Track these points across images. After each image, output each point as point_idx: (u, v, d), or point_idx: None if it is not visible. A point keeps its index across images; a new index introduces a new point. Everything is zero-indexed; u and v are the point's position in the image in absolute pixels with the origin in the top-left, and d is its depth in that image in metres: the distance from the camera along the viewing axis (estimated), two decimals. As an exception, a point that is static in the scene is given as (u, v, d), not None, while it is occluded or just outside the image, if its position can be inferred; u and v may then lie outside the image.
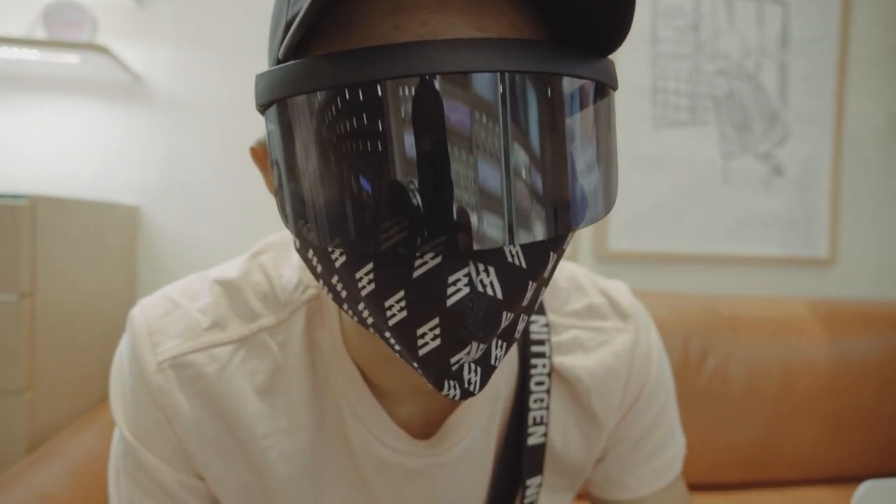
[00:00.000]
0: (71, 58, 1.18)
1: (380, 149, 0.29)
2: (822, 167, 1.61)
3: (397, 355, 0.37)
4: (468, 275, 0.31)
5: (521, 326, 0.36)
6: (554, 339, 0.52)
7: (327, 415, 0.47)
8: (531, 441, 0.50)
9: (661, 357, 0.56)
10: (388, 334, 0.35)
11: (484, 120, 0.29)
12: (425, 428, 0.49)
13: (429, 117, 0.28)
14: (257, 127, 1.43)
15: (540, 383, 0.50)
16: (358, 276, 0.33)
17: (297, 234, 0.33)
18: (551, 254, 0.34)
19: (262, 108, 0.34)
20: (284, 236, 0.52)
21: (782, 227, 1.60)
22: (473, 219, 0.29)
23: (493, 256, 0.31)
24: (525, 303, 0.34)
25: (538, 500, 0.53)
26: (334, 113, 0.29)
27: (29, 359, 0.91)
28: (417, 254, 0.30)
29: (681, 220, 1.55)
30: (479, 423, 0.49)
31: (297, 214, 0.33)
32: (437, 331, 0.32)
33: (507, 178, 0.29)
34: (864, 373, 1.29)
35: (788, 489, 1.27)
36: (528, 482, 0.51)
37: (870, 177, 1.65)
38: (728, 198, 1.57)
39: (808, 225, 1.61)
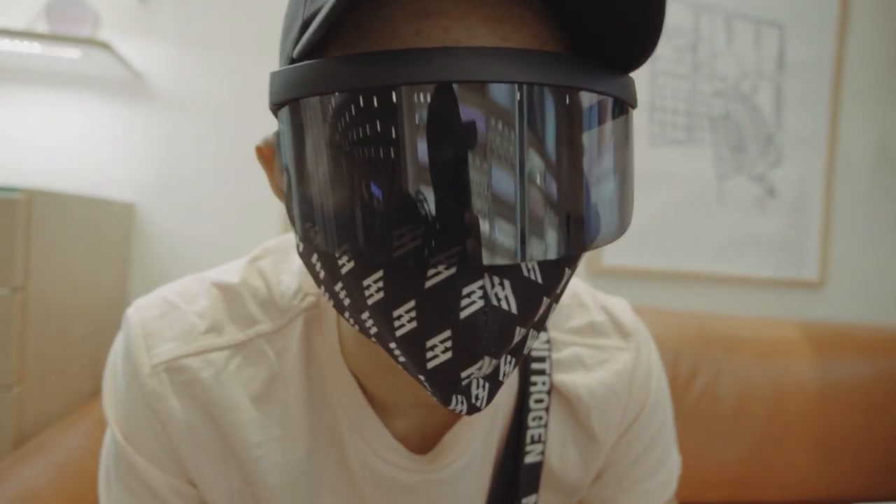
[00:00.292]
0: (72, 52, 1.18)
1: (399, 155, 0.28)
2: (815, 190, 1.63)
3: (399, 366, 0.36)
4: (483, 287, 0.30)
5: (530, 342, 0.35)
6: (554, 355, 0.51)
7: (323, 425, 0.46)
8: (528, 459, 0.50)
9: (660, 377, 0.56)
10: (393, 345, 0.33)
11: (504, 131, 0.28)
12: (421, 442, 0.48)
13: (449, 125, 0.28)
14: (257, 127, 1.45)
15: (539, 401, 0.50)
16: (365, 283, 0.32)
17: (304, 237, 0.32)
18: (566, 270, 0.34)
19: (276, 107, 0.33)
20: (284, 242, 0.51)
21: (774, 249, 1.62)
22: (492, 231, 0.28)
23: (509, 270, 0.30)
24: (537, 318, 0.33)
25: None
26: (351, 116, 0.29)
27: (19, 353, 0.90)
28: (431, 264, 0.29)
29: (675, 237, 1.57)
30: (478, 439, 0.48)
31: (305, 217, 0.32)
32: (449, 343, 0.31)
33: (526, 192, 0.29)
34: (853, 396, 1.30)
35: (775, 510, 1.28)
36: (524, 501, 0.50)
37: (861, 201, 1.67)
38: (722, 217, 1.59)
39: (799, 247, 1.63)
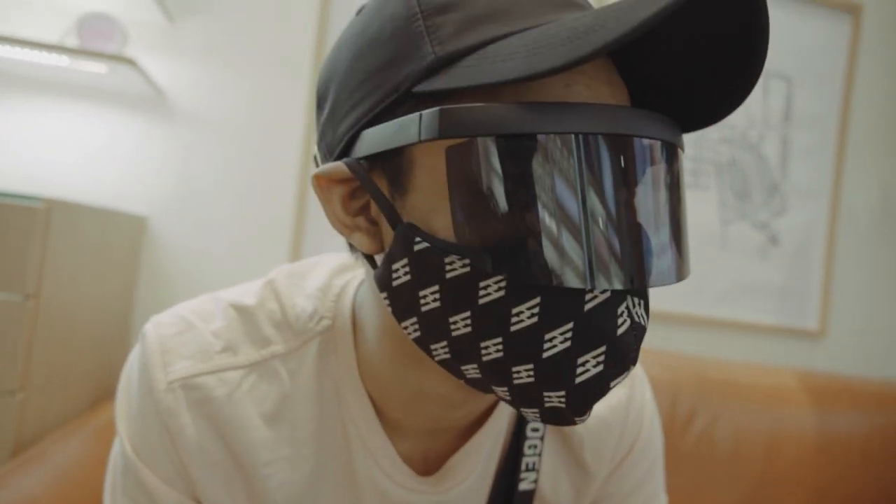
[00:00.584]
0: (99, 67, 1.21)
1: (587, 195, 0.33)
2: (818, 240, 1.65)
3: (453, 388, 0.41)
4: (627, 307, 0.35)
5: None
6: None
7: (331, 446, 0.47)
8: (522, 486, 0.51)
9: (653, 415, 0.58)
10: (523, 367, 0.35)
11: (658, 181, 0.35)
12: (424, 465, 0.49)
13: (622, 173, 0.33)
14: (273, 148, 1.47)
15: (535, 430, 0.51)
16: (516, 310, 0.34)
17: (440, 270, 0.34)
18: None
19: (432, 140, 0.34)
20: (299, 266, 0.53)
21: (775, 296, 1.63)
22: (647, 261, 0.34)
23: (644, 291, 0.37)
24: None
25: None
26: (542, 157, 0.32)
27: (25, 360, 0.91)
28: (599, 288, 0.34)
29: (677, 279, 1.58)
30: (480, 463, 0.50)
31: (451, 250, 0.34)
32: (602, 358, 0.34)
33: (665, 229, 0.35)
34: (851, 448, 1.30)
35: (768, 560, 1.26)
36: None
37: (863, 252, 1.69)
38: (724, 262, 1.60)
39: (800, 296, 1.64)
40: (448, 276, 0.34)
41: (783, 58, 1.63)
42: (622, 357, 0.35)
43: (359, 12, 0.42)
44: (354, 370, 0.47)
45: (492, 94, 0.34)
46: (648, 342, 1.50)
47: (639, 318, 0.35)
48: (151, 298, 1.36)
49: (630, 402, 0.55)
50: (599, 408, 0.53)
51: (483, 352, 0.36)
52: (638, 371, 0.58)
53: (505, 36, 0.34)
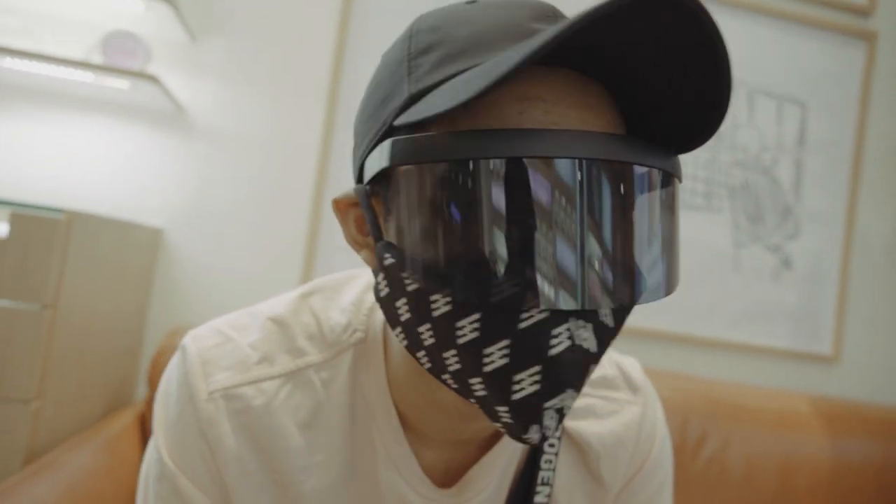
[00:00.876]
0: (122, 84, 1.24)
1: (510, 216, 0.33)
2: (831, 264, 1.64)
3: (450, 403, 0.41)
4: (568, 329, 0.35)
5: (588, 378, 0.39)
6: None
7: (359, 454, 0.49)
8: (537, 500, 0.52)
9: (664, 436, 0.59)
10: (476, 380, 0.37)
11: (597, 201, 0.34)
12: (444, 477, 0.51)
13: (556, 194, 0.33)
14: (289, 165, 1.49)
15: (551, 445, 0.53)
16: (459, 324, 0.36)
17: (403, 284, 0.37)
18: (625, 316, 0.38)
19: (390, 168, 0.38)
20: (333, 279, 0.55)
21: (788, 320, 1.62)
22: (579, 282, 0.34)
23: (591, 315, 0.36)
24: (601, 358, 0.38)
25: None
26: (481, 181, 0.34)
27: (41, 369, 0.93)
28: (528, 308, 0.34)
29: (688, 301, 1.57)
30: (496, 476, 0.51)
31: (411, 266, 0.37)
32: (537, 377, 0.35)
33: (607, 252, 0.34)
34: (864, 476, 1.28)
35: (780, 589, 1.24)
36: None
37: (877, 278, 1.68)
38: (736, 285, 1.60)
39: (814, 320, 1.63)
40: (408, 289, 0.37)
41: (797, 83, 1.63)
42: (557, 378, 0.35)
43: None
44: (383, 382, 0.48)
45: (450, 123, 0.36)
46: (660, 364, 1.49)
47: (581, 341, 0.35)
48: (165, 311, 1.38)
49: (643, 419, 0.56)
50: (614, 425, 0.54)
51: (446, 362, 0.38)
52: (651, 391, 0.59)
53: (467, 69, 0.36)
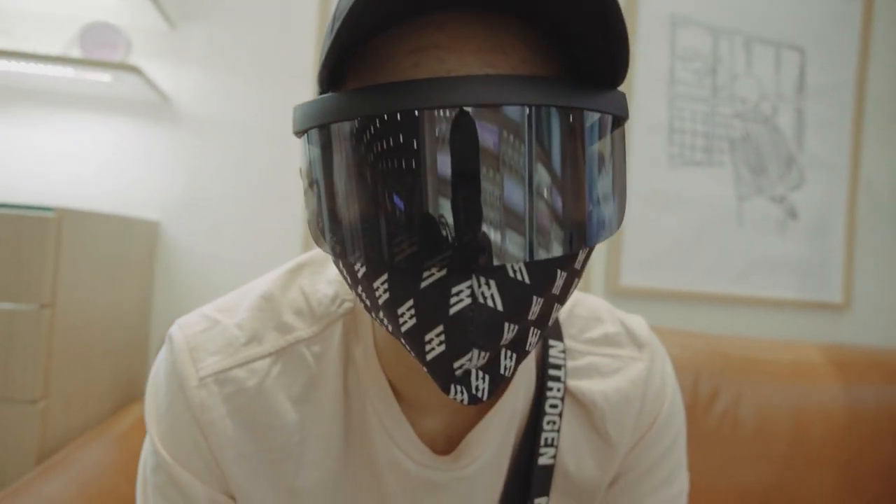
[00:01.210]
0: (104, 76, 1.22)
1: (394, 172, 0.32)
2: (837, 212, 1.62)
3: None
4: (470, 287, 0.33)
5: (532, 339, 0.38)
6: (570, 364, 0.54)
7: (355, 425, 0.49)
8: (541, 461, 0.52)
9: (674, 391, 0.58)
10: (403, 340, 0.37)
11: (479, 147, 0.32)
12: (447, 445, 0.50)
13: (435, 146, 0.32)
14: (280, 150, 1.47)
15: (554, 406, 0.52)
16: (375, 285, 0.36)
17: (330, 247, 0.37)
18: (558, 271, 0.36)
19: (298, 134, 0.37)
20: (320, 253, 0.54)
21: (796, 271, 1.60)
22: (472, 237, 0.32)
23: (496, 271, 0.34)
24: (533, 317, 0.36)
25: None
26: (354, 141, 0.33)
27: (45, 369, 0.92)
28: (424, 267, 0.33)
29: (694, 258, 1.56)
30: (496, 440, 0.50)
31: (324, 228, 0.36)
32: (443, 337, 0.34)
33: (499, 202, 0.32)
34: (880, 421, 1.27)
35: (800, 538, 1.24)
36: (536, 501, 0.52)
37: (884, 223, 1.65)
38: (742, 239, 1.57)
39: (822, 269, 1.61)
40: (335, 253, 0.37)
41: (794, 28, 1.59)
42: (460, 338, 0.34)
43: None
44: (372, 351, 0.47)
45: (358, 83, 0.36)
46: (668, 323, 1.48)
47: (485, 299, 0.33)
48: (169, 303, 1.37)
49: (649, 375, 0.55)
50: (619, 382, 0.54)
51: (383, 322, 0.38)
52: (657, 347, 0.58)
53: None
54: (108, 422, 1.08)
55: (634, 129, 1.53)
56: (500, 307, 0.34)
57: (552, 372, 0.52)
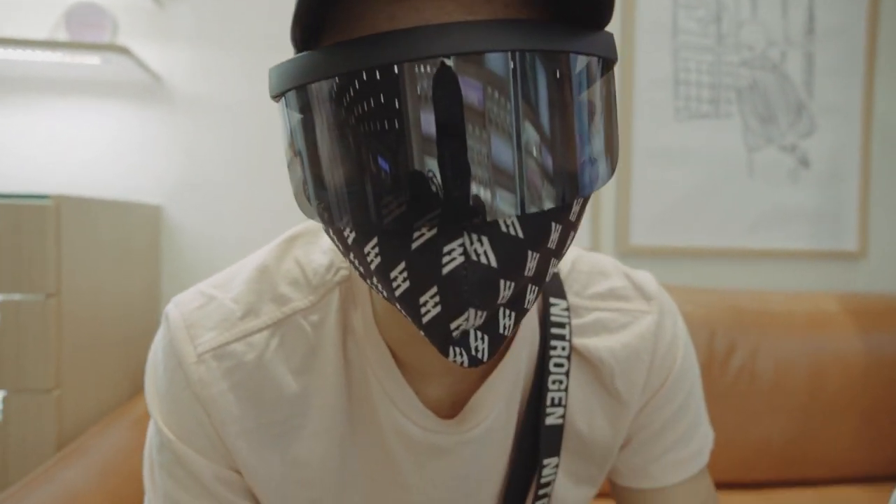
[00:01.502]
0: (92, 59, 1.19)
1: (372, 130, 0.31)
2: (851, 159, 1.58)
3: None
4: (462, 244, 0.32)
5: (531, 297, 0.37)
6: (575, 321, 0.52)
7: (357, 393, 0.48)
8: (549, 421, 0.51)
9: (686, 345, 0.56)
10: (398, 305, 0.36)
11: (461, 99, 0.30)
12: (451, 409, 0.49)
13: (414, 99, 0.30)
14: (277, 124, 1.44)
15: (559, 365, 0.51)
16: (366, 250, 0.35)
17: (318, 214, 0.35)
18: (553, 224, 0.35)
19: (274, 98, 0.36)
20: (313, 223, 0.52)
21: (810, 220, 1.57)
22: (460, 192, 0.31)
23: (488, 227, 0.32)
24: (529, 273, 0.35)
25: (555, 482, 0.53)
26: (329, 100, 0.32)
27: (56, 357, 0.92)
28: (414, 227, 0.32)
29: (704, 213, 1.53)
30: (500, 401, 0.49)
31: (312, 196, 0.35)
32: (437, 298, 0.33)
33: (484, 155, 0.31)
34: (898, 368, 1.26)
35: (821, 488, 1.24)
36: (545, 462, 0.51)
37: (900, 168, 1.61)
38: (753, 191, 1.54)
39: (836, 218, 1.58)
40: (323, 219, 0.36)
41: (800, -32, 1.53)
42: (455, 297, 0.33)
43: None
44: (370, 317, 0.46)
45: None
46: (680, 280, 1.46)
47: (478, 256, 0.32)
48: (177, 286, 1.37)
49: (659, 328, 0.54)
50: (627, 337, 0.52)
51: (378, 287, 0.37)
52: (667, 300, 0.56)
53: None
54: (124, 407, 1.08)
55: (638, 83, 1.49)
56: (494, 264, 0.33)
57: (555, 331, 0.51)
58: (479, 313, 0.33)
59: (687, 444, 0.56)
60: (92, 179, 1.32)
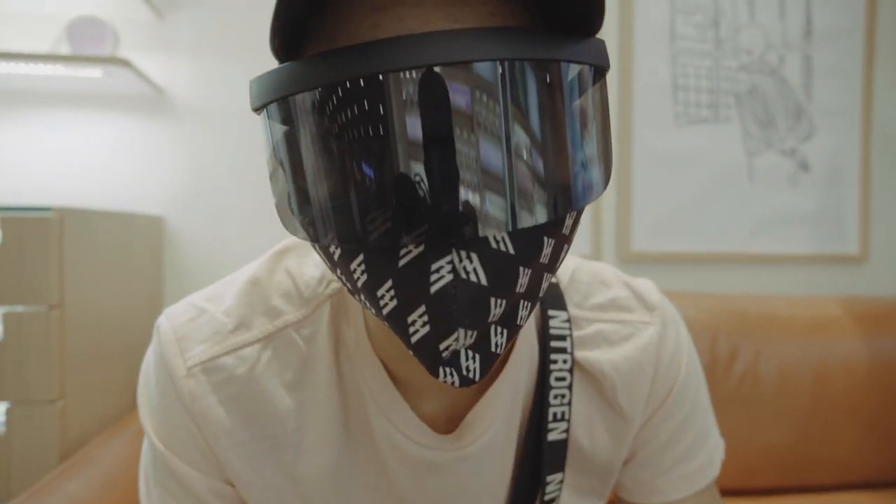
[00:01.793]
0: (94, 72, 1.20)
1: (354, 142, 0.30)
2: (851, 162, 1.58)
3: None
4: (451, 262, 0.31)
5: (524, 313, 0.35)
6: (577, 333, 0.51)
7: (351, 407, 0.47)
8: (552, 437, 0.50)
9: (690, 354, 0.55)
10: (386, 324, 0.35)
11: (448, 111, 0.29)
12: (449, 425, 0.48)
13: (398, 112, 0.29)
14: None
15: (560, 379, 0.50)
16: (352, 267, 0.34)
17: (303, 230, 0.34)
18: (545, 239, 0.33)
19: (256, 111, 0.35)
20: None
21: (811, 224, 1.57)
22: (450, 209, 0.30)
23: (477, 244, 0.31)
24: (521, 289, 0.34)
25: (559, 499, 0.52)
26: (311, 113, 0.31)
27: (59, 369, 0.93)
28: (402, 244, 0.31)
29: (705, 218, 1.53)
30: (499, 417, 0.48)
31: (295, 211, 0.34)
32: (426, 318, 0.32)
33: (470, 170, 0.30)
34: (902, 372, 1.25)
35: (825, 494, 1.24)
36: (549, 478, 0.50)
37: (900, 170, 1.61)
38: (753, 195, 1.54)
39: (837, 221, 1.58)
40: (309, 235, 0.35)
41: (798, -28, 1.53)
42: (444, 317, 0.31)
43: None
44: (363, 331, 0.46)
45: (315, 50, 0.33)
46: (682, 286, 1.46)
47: (468, 274, 0.31)
48: (180, 297, 1.36)
49: (662, 340, 0.52)
50: (629, 350, 0.51)
51: (366, 305, 0.36)
52: (669, 310, 0.55)
53: None
54: (127, 418, 1.08)
55: (636, 89, 1.50)
56: (484, 281, 0.31)
57: (556, 344, 0.50)
58: (470, 333, 0.32)
59: (695, 456, 0.54)
60: (94, 191, 1.33)
